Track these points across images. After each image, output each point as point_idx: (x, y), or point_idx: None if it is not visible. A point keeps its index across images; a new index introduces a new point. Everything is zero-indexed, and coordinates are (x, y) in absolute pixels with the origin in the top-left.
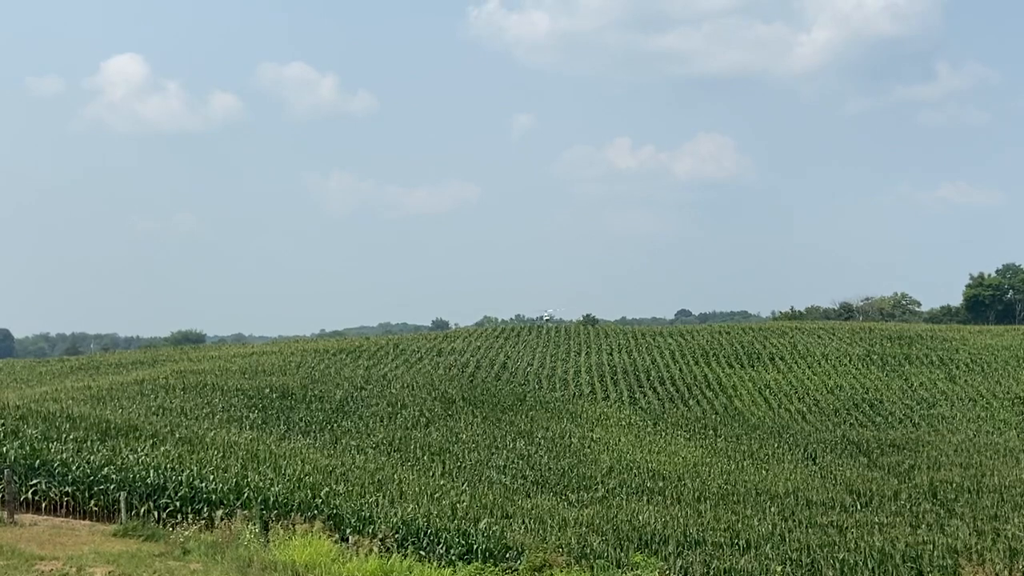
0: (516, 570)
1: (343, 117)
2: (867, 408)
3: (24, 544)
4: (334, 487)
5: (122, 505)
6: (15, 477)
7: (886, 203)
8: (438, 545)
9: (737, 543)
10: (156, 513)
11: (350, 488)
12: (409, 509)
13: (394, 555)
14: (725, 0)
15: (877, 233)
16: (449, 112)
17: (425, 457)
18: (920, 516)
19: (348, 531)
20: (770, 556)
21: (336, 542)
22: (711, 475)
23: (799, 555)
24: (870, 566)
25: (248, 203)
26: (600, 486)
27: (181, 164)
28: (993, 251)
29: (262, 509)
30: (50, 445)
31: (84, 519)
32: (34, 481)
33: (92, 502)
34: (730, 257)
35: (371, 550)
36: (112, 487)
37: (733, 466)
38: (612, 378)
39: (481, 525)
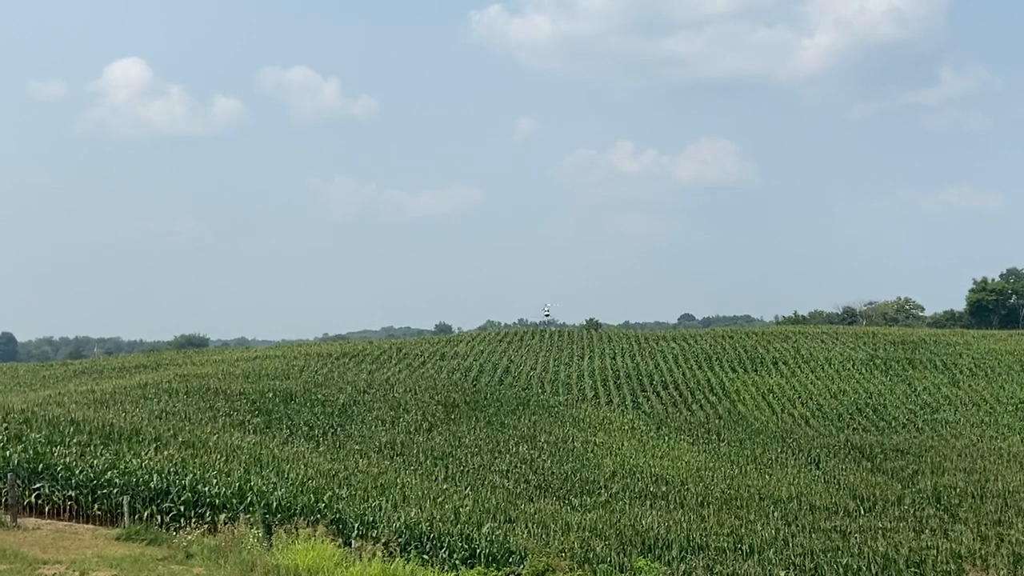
0: (519, 575)
1: (346, 121)
2: (870, 413)
3: (27, 548)
4: (337, 491)
5: (125, 509)
6: (18, 481)
7: (889, 207)
8: (441, 549)
9: (740, 548)
10: (159, 517)
11: (353, 492)
12: (412, 513)
13: (397, 559)
14: (727, 4)
15: (880, 237)
16: (451, 116)
17: (428, 461)
18: (924, 521)
19: (351, 535)
20: (773, 561)
21: (339, 546)
22: (714, 480)
23: (802, 560)
24: (874, 571)
25: (251, 207)
26: (603, 490)
27: (184, 168)
28: (997, 256)
29: (265, 513)
30: (53, 449)
31: (87, 523)
32: (37, 485)
33: (95, 506)
34: (733, 261)
35: (374, 554)
36: (115, 491)
37: (736, 471)
38: (615, 382)
39: (484, 529)
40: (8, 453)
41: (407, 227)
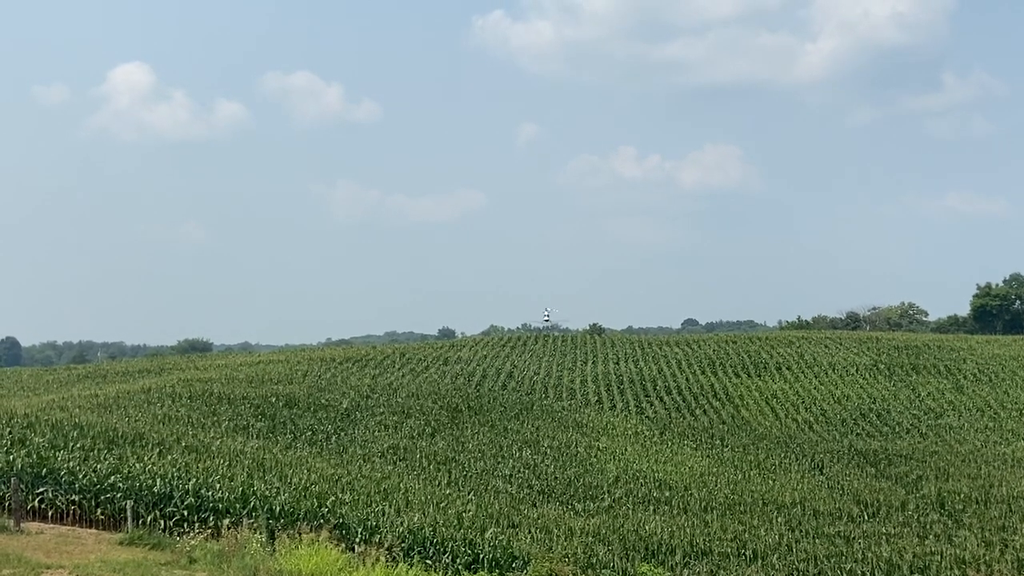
0: None
1: (349, 126)
2: (874, 418)
3: (31, 552)
4: (340, 496)
5: (128, 514)
6: (22, 485)
7: (893, 213)
8: (444, 555)
9: (744, 553)
10: (162, 522)
11: (356, 497)
12: (415, 518)
13: (400, 564)
14: (730, 9)
15: (884, 243)
16: (454, 120)
17: (431, 466)
18: (928, 527)
19: (355, 540)
20: (777, 567)
21: (343, 551)
22: (718, 485)
23: (806, 566)
24: None
25: (254, 211)
26: (606, 496)
27: (187, 173)
28: (1000, 261)
29: (268, 518)
30: (57, 453)
31: (90, 528)
32: (41, 489)
33: (99, 510)
34: (736, 266)
35: (378, 559)
36: (119, 496)
37: (740, 476)
38: (619, 387)
39: (487, 534)
40: (12, 457)
41: (410, 232)
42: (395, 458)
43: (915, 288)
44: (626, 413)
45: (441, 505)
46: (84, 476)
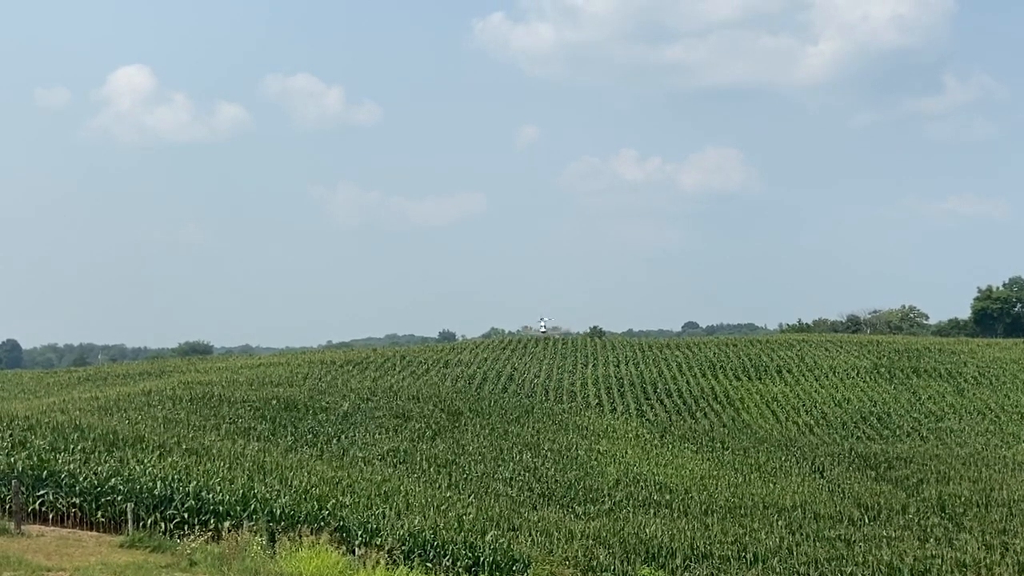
0: None
1: (349, 128)
2: (875, 421)
3: (31, 555)
4: (341, 499)
5: (129, 516)
6: (22, 488)
7: (893, 215)
8: (445, 557)
9: (744, 557)
10: (163, 524)
11: (357, 500)
12: (416, 521)
13: (401, 567)
14: (731, 12)
15: (885, 246)
16: (455, 123)
17: (431, 469)
18: (928, 530)
19: (355, 543)
20: (777, 570)
21: (343, 554)
22: (718, 488)
23: (807, 569)
24: None
25: (255, 214)
26: (607, 499)
27: (188, 175)
28: (1001, 264)
29: (269, 521)
30: (57, 456)
31: (91, 530)
32: (41, 492)
33: (99, 513)
34: (737, 269)
35: (378, 562)
36: (119, 498)
37: (740, 479)
38: (619, 390)
39: (488, 537)
40: (12, 460)
41: (411, 234)
42: (395, 461)
43: (916, 291)
44: (626, 416)
45: (441, 508)
46: (85, 478)
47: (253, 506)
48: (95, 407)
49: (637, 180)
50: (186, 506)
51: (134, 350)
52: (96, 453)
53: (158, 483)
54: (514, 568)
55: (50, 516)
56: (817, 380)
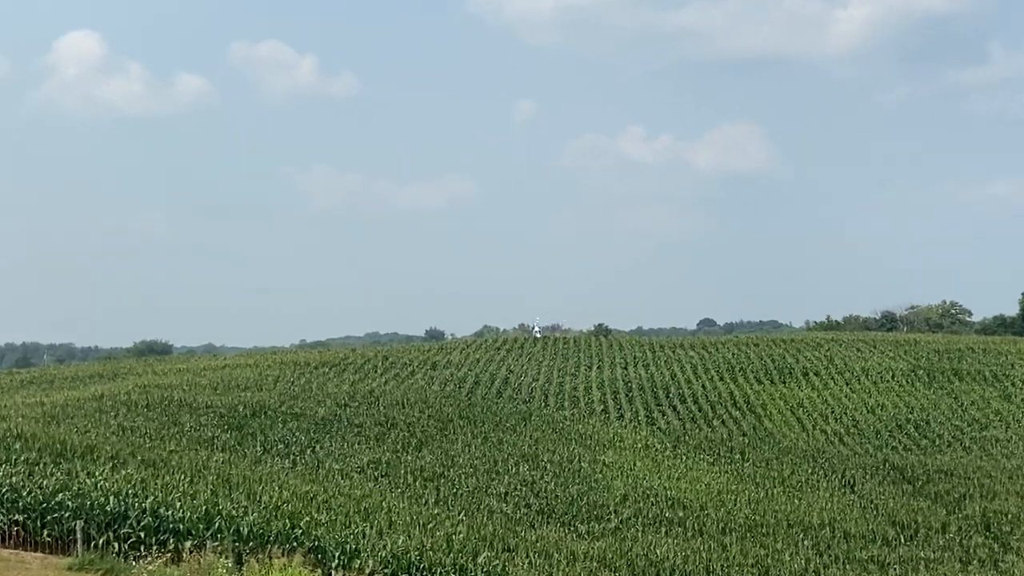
0: None
1: (325, 102)
2: (912, 430)
3: None
4: (315, 516)
5: (78, 535)
6: None
7: (933, 200)
8: None
9: None
10: (117, 544)
11: (333, 517)
12: (400, 541)
13: None
14: None
15: (923, 234)
16: (443, 97)
17: (417, 483)
18: (971, 551)
19: (332, 565)
20: None
21: None
22: (737, 504)
23: None
24: None
25: (219, 198)
26: (613, 516)
27: (143, 154)
28: None
29: (235, 540)
30: None
31: (36, 551)
32: None
33: (45, 532)
34: (759, 260)
35: None
36: (67, 515)
37: (762, 494)
38: (627, 395)
39: (480, 559)
40: None
41: (394, 222)
42: (377, 474)
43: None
44: (635, 424)
45: (428, 526)
46: (29, 493)
47: (217, 524)
48: (40, 414)
49: (646, 160)
50: (142, 524)
51: (84, 350)
52: (42, 465)
53: (111, 498)
54: None
55: None
56: (848, 384)
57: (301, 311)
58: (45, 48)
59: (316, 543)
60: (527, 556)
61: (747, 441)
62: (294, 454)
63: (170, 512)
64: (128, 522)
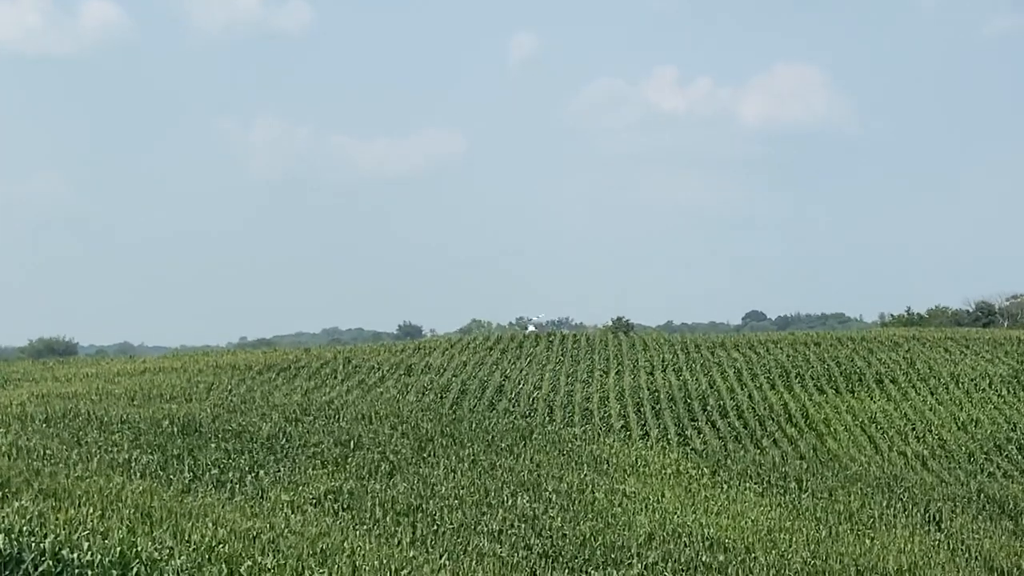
0: None
1: (270, 38)
2: (1013, 451)
3: None
4: (259, 559)
5: None
6: None
7: None
8: None
9: None
10: None
11: (282, 561)
12: None
13: None
14: None
15: None
16: (419, 30)
17: (388, 518)
18: None
19: None
20: None
21: None
22: (793, 546)
23: None
24: None
25: (137, 159)
26: (635, 560)
27: (40, 103)
28: None
29: None
30: None
31: None
32: None
33: None
34: (820, 238)
35: None
36: None
37: (824, 533)
38: (653, 408)
39: None
40: None
41: (358, 188)
42: (337, 507)
43: None
44: (663, 444)
45: (402, 572)
46: None
47: (136, 569)
48: None
49: (678, 111)
50: (40, 569)
51: None
52: None
53: (0, 537)
54: None
55: None
56: (933, 394)
57: (241, 301)
58: None
59: None
60: None
61: (805, 466)
62: (232, 481)
63: (75, 555)
64: (23, 567)
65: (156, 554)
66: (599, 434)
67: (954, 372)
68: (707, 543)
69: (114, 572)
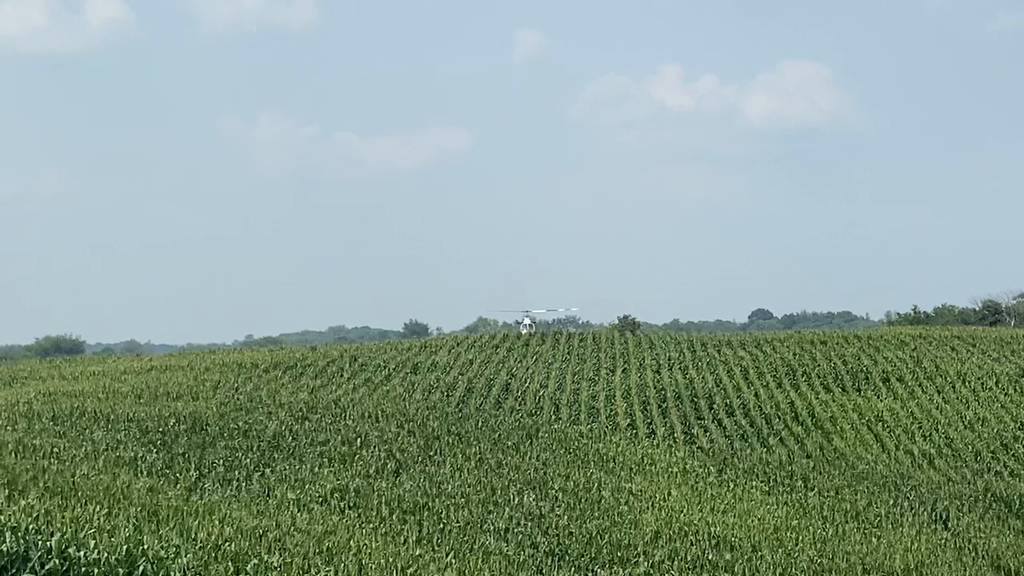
0: None
1: (276, 35)
2: (1020, 450)
3: None
4: (265, 558)
5: None
6: None
7: None
8: None
9: None
10: None
11: (289, 559)
12: None
13: None
14: None
15: None
16: (425, 27)
17: (394, 516)
18: None
19: None
20: None
21: None
22: (799, 544)
23: None
24: None
25: (142, 156)
26: (642, 559)
27: (46, 100)
28: None
29: None
30: None
31: None
32: None
33: None
34: (826, 235)
35: None
36: None
37: (831, 531)
38: (660, 406)
39: None
40: None
41: (363, 185)
42: (343, 505)
43: None
44: (670, 442)
45: (408, 571)
46: None
47: (142, 567)
48: None
49: (684, 109)
50: (47, 567)
51: None
52: None
53: (7, 534)
54: None
55: None
56: (940, 392)
57: (248, 299)
58: None
59: None
60: None
61: (812, 464)
62: (238, 479)
63: (82, 552)
64: (29, 565)
65: (162, 552)
66: (605, 432)
67: (961, 371)
68: (714, 541)
69: (120, 570)
